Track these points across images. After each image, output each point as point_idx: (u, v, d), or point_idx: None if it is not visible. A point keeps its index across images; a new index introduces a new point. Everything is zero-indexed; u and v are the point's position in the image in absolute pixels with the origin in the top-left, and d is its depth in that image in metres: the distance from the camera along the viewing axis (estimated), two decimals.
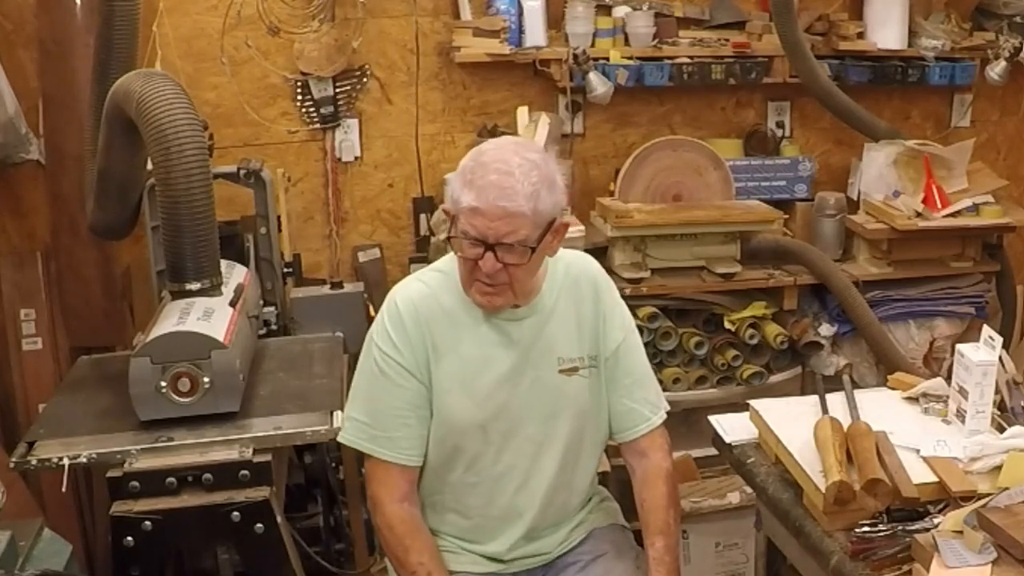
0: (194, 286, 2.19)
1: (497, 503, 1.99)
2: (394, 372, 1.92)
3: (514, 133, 3.24)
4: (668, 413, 2.10)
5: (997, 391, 1.93)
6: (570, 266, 2.04)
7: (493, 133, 3.41)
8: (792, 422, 1.97)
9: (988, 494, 1.68)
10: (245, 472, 2.10)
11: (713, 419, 2.21)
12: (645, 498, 2.01)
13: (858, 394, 2.06)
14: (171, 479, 2.07)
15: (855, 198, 3.48)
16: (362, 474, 2.95)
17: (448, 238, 1.86)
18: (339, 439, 2.01)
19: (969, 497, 1.69)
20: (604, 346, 2.02)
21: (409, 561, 1.89)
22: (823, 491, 1.70)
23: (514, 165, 1.79)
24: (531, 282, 1.93)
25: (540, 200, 1.80)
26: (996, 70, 3.48)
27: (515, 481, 1.98)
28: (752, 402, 2.10)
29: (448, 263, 1.98)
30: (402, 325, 1.92)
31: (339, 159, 3.48)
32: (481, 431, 1.94)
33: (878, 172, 3.37)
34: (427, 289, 1.96)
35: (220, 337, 2.20)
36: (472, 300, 1.91)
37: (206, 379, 2.17)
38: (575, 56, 3.29)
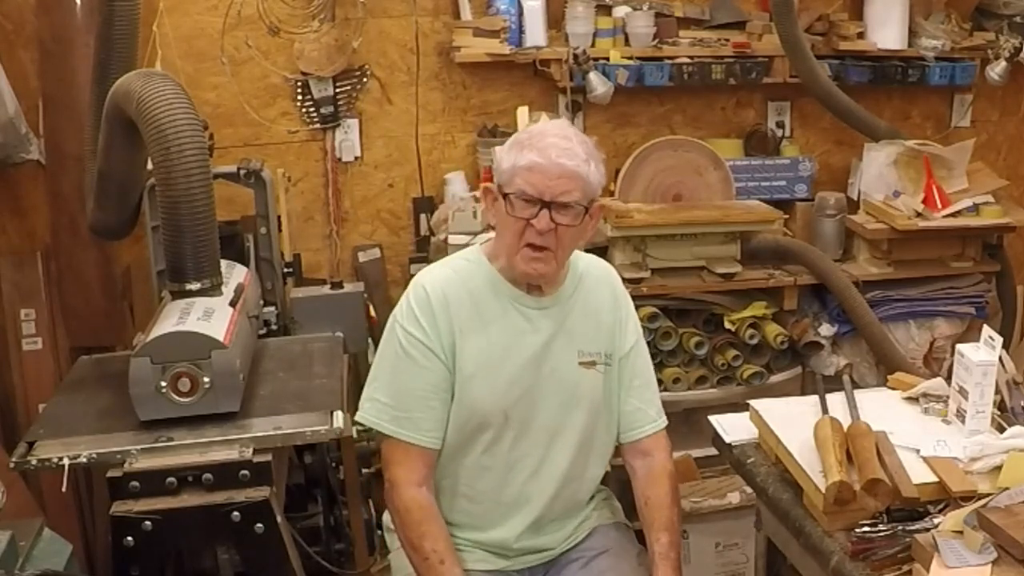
0: (194, 286, 2.19)
1: (508, 490, 2.01)
2: (419, 353, 1.94)
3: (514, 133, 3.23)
4: (668, 413, 2.14)
5: (997, 391, 1.93)
6: (590, 267, 2.11)
7: (493, 133, 3.41)
8: (792, 422, 1.96)
9: (988, 494, 1.68)
10: (245, 472, 2.09)
11: (713, 419, 2.21)
12: (649, 496, 2.03)
13: (858, 394, 2.06)
14: (171, 479, 2.07)
15: (855, 198, 3.47)
16: (362, 474, 2.98)
17: (504, 195, 1.90)
18: (358, 419, 2.02)
19: (969, 497, 1.69)
20: (620, 346, 2.07)
21: (423, 547, 1.91)
22: (823, 491, 1.70)
23: (571, 133, 1.93)
24: (568, 258, 2.00)
25: (591, 170, 1.91)
26: (996, 70, 3.48)
27: (528, 468, 2.00)
28: (752, 402, 2.10)
29: (474, 253, 2.05)
30: (429, 307, 1.95)
31: (339, 159, 3.48)
32: (503, 416, 1.97)
33: (878, 172, 3.37)
34: (454, 275, 2.00)
35: (220, 337, 2.20)
36: (515, 271, 1.95)
37: (206, 379, 2.17)
38: (575, 56, 3.29)
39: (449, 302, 1.95)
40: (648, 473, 2.06)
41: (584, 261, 2.10)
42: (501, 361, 1.97)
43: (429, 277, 2.00)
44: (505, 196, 1.90)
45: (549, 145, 1.87)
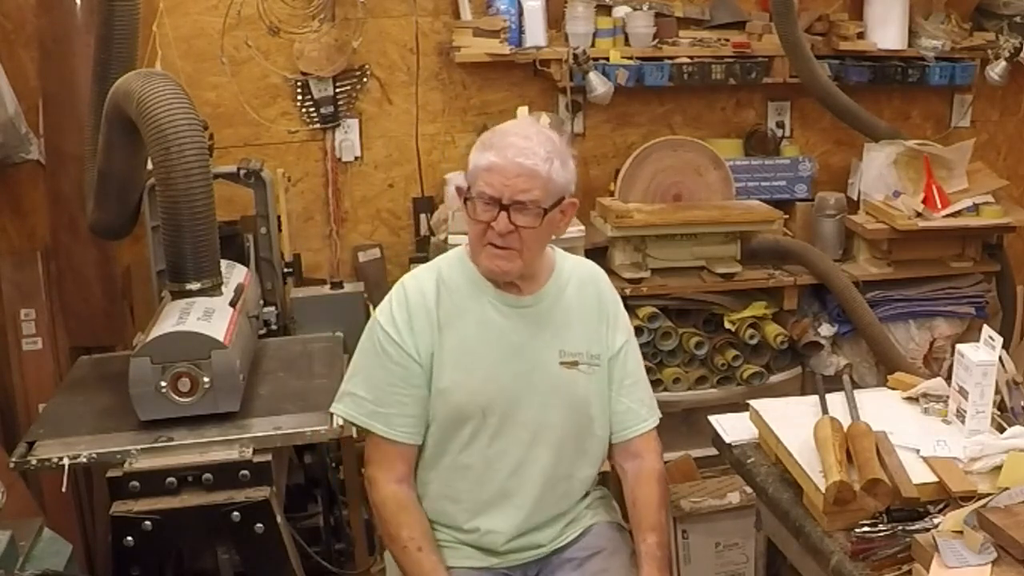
0: (194, 286, 2.20)
1: (488, 487, 2.01)
2: (395, 351, 1.96)
3: None
4: (668, 413, 2.13)
5: (997, 391, 1.93)
6: (576, 268, 2.12)
7: None
8: (792, 422, 1.96)
9: (988, 494, 1.68)
10: (245, 472, 2.10)
11: (713, 419, 2.20)
12: (638, 496, 2.04)
13: (858, 394, 2.06)
14: (171, 479, 2.07)
15: (855, 198, 3.48)
16: (362, 473, 2.98)
17: (467, 199, 1.92)
18: (334, 410, 2.05)
19: (969, 497, 1.69)
20: (608, 346, 2.07)
21: (401, 536, 1.95)
22: (823, 491, 1.70)
23: (532, 133, 1.93)
24: (539, 256, 2.00)
25: (554, 168, 1.89)
26: (996, 70, 3.48)
27: (507, 466, 2.00)
28: (752, 402, 2.09)
29: (458, 253, 2.07)
30: (407, 307, 1.98)
31: (339, 159, 3.48)
32: (479, 412, 1.98)
33: (878, 172, 3.37)
34: (436, 274, 2.03)
35: (220, 337, 2.21)
36: (480, 268, 1.97)
37: (206, 379, 2.18)
38: (575, 56, 3.28)
39: (427, 299, 1.98)
40: (638, 475, 2.06)
41: (571, 263, 2.11)
42: (477, 357, 1.98)
43: (411, 278, 2.04)
44: (468, 200, 1.92)
45: (508, 144, 1.89)
